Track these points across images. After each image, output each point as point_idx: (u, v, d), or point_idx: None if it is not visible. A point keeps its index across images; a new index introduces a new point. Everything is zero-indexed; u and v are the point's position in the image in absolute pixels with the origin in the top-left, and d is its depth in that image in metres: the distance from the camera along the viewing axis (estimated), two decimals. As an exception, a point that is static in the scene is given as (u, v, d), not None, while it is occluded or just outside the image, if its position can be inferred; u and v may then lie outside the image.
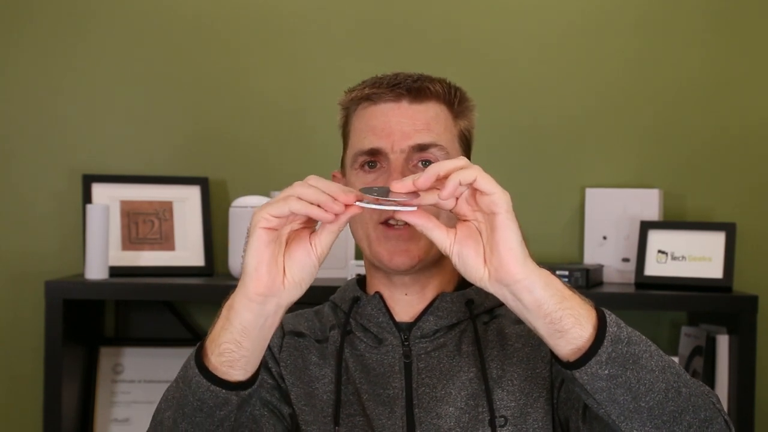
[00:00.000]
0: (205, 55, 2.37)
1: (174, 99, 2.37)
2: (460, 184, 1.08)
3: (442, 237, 1.12)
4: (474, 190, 1.10)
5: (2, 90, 2.35)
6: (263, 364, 1.39)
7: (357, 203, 1.13)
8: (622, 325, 1.12)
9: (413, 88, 1.37)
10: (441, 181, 1.08)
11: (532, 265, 1.09)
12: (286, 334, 1.43)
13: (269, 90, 2.37)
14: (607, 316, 1.11)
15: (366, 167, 1.37)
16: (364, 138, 1.37)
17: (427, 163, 1.36)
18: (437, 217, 1.15)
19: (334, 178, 1.47)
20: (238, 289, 1.13)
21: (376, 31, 2.37)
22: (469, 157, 1.43)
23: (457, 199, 1.11)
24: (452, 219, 1.16)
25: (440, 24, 2.37)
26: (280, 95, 2.37)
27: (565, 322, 1.09)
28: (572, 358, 1.10)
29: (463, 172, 1.07)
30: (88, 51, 2.36)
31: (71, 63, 2.35)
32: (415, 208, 1.10)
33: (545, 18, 2.38)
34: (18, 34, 2.35)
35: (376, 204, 1.12)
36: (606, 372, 1.09)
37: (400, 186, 1.09)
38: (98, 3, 2.36)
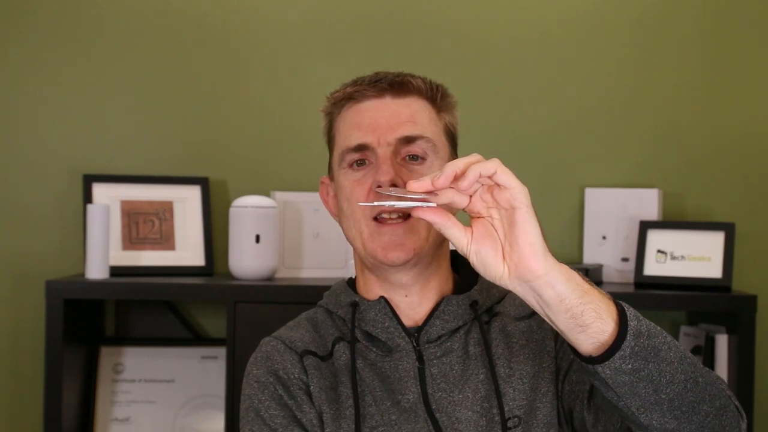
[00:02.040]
0: (206, 56, 2.37)
1: (174, 99, 2.37)
2: (481, 176, 1.06)
3: (459, 235, 1.10)
4: (489, 188, 1.09)
5: (3, 90, 2.35)
6: (292, 418, 1.33)
7: (375, 202, 1.13)
8: (641, 318, 1.11)
9: (395, 82, 1.37)
10: (457, 180, 1.07)
11: (552, 260, 1.09)
12: (302, 355, 1.38)
13: (269, 90, 2.38)
14: (626, 309, 1.11)
15: (354, 165, 1.36)
16: (350, 135, 1.36)
17: (414, 158, 1.35)
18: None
19: (322, 185, 1.46)
20: None
21: (375, 33, 2.38)
22: (456, 153, 1.42)
23: (471, 197, 1.10)
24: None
25: (440, 25, 2.38)
26: (279, 95, 2.37)
27: (586, 316, 1.08)
28: (595, 353, 1.09)
29: (483, 164, 1.06)
30: (88, 51, 2.36)
31: (72, 63, 2.35)
32: (434, 204, 1.09)
33: (545, 18, 2.38)
34: (19, 34, 2.35)
35: (394, 201, 1.11)
36: (629, 366, 1.08)
37: (418, 185, 1.07)
38: (98, 4, 2.36)
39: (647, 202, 2.26)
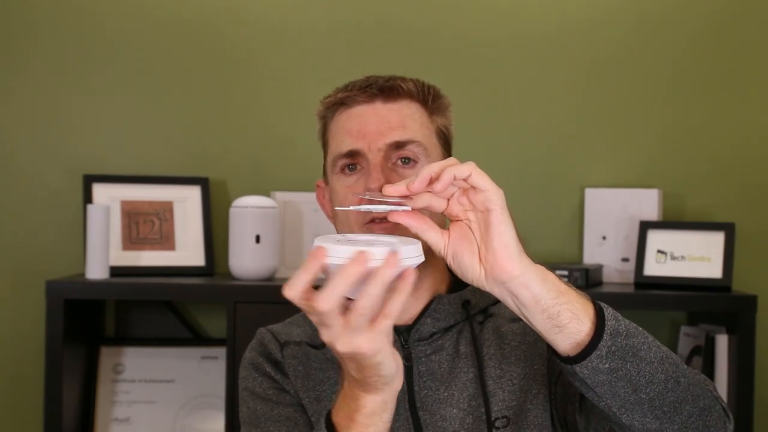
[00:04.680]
0: (206, 57, 2.37)
1: (174, 100, 2.37)
2: (455, 179, 1.07)
3: (436, 238, 1.11)
4: (465, 191, 1.10)
5: (4, 91, 2.35)
6: (282, 389, 1.39)
7: (352, 207, 1.14)
8: (620, 318, 1.12)
9: (385, 87, 1.37)
10: (433, 183, 1.08)
11: (527, 261, 1.09)
12: (283, 344, 1.43)
13: (269, 91, 2.38)
14: (604, 309, 1.11)
15: (346, 170, 1.37)
16: (341, 142, 1.37)
17: (406, 160, 1.36)
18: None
19: (318, 188, 1.48)
20: (383, 393, 1.12)
21: (374, 35, 2.38)
22: (449, 154, 1.43)
23: (448, 200, 1.11)
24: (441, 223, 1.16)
25: (439, 28, 2.38)
26: (280, 96, 2.38)
27: (563, 317, 1.09)
28: (572, 353, 1.10)
29: (457, 167, 1.07)
30: (89, 52, 2.36)
31: (72, 64, 2.36)
32: (409, 208, 1.10)
33: (545, 18, 2.38)
34: (19, 35, 2.35)
35: (369, 206, 1.12)
36: (606, 365, 1.09)
37: (393, 190, 1.09)
38: (99, 5, 2.36)
39: (647, 202, 2.26)
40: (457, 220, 1.12)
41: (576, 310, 1.10)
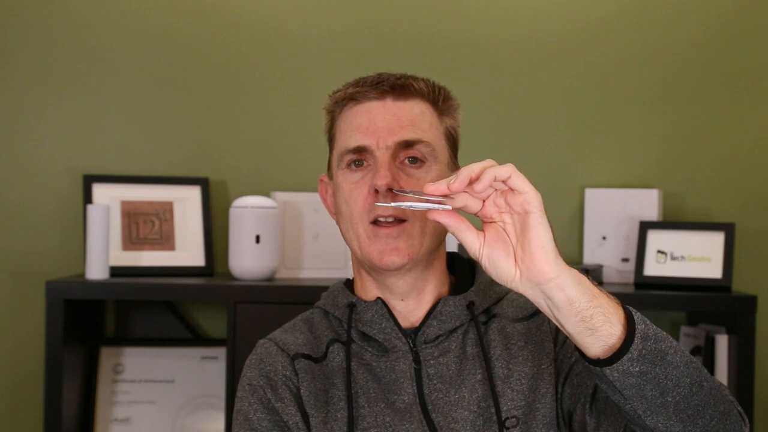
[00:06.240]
0: (206, 57, 2.37)
1: (174, 100, 2.37)
2: (495, 180, 1.08)
3: (472, 239, 1.11)
4: (502, 192, 1.10)
5: (4, 90, 2.35)
6: (276, 423, 1.34)
7: (393, 203, 1.16)
8: (648, 322, 1.13)
9: (397, 85, 1.36)
10: (472, 184, 1.09)
11: (563, 264, 1.10)
12: (294, 357, 1.39)
13: (269, 91, 2.38)
14: (633, 313, 1.13)
15: (352, 166, 1.36)
16: (349, 137, 1.36)
17: (414, 160, 1.35)
18: None
19: (321, 183, 1.47)
20: None
21: (376, 35, 2.38)
22: (455, 157, 1.43)
23: (483, 201, 1.11)
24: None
25: (441, 29, 2.38)
26: (280, 96, 2.38)
27: (596, 320, 1.10)
28: (603, 356, 1.11)
29: (498, 168, 1.08)
30: (89, 52, 2.36)
31: (72, 63, 2.36)
32: (449, 208, 1.11)
33: (545, 17, 2.38)
34: (19, 34, 2.35)
35: (411, 203, 1.13)
36: (637, 369, 1.10)
37: (434, 189, 1.09)
38: (99, 5, 2.36)
39: (647, 202, 2.26)
40: (491, 222, 1.12)
41: (608, 314, 1.11)
